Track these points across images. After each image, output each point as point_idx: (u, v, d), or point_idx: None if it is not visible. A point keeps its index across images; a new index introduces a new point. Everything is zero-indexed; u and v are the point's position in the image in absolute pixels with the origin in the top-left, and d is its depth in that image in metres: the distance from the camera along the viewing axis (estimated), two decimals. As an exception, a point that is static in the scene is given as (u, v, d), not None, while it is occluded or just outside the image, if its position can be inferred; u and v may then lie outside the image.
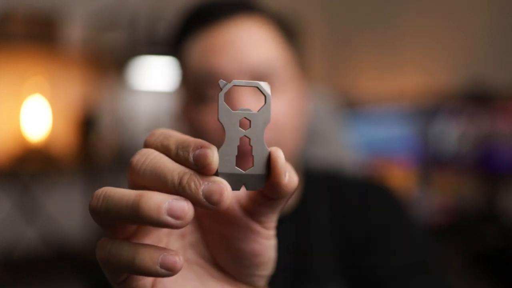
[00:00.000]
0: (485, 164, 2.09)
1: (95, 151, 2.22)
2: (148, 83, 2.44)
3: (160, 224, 0.25)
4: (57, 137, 2.21)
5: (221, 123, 0.28)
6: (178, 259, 0.25)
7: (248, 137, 0.28)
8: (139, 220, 0.25)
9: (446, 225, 2.08)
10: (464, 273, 1.84)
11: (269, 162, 0.28)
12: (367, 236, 0.68)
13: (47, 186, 2.21)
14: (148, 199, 0.25)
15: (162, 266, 0.25)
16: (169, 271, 0.25)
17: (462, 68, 2.34)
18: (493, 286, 1.80)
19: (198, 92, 0.66)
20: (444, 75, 2.42)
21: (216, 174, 0.27)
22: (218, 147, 0.27)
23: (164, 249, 0.26)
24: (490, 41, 2.24)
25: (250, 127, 0.28)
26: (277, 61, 0.66)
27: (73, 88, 2.28)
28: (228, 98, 0.60)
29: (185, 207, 0.25)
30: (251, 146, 0.28)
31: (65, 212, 2.23)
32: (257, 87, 0.28)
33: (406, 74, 2.61)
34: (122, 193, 0.26)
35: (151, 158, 0.27)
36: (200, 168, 0.26)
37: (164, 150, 0.28)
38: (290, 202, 0.69)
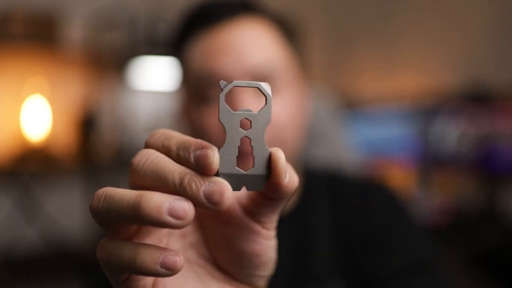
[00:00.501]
0: (485, 164, 2.09)
1: (95, 151, 2.22)
2: (148, 83, 2.44)
3: (161, 224, 0.25)
4: (57, 137, 2.21)
5: (222, 124, 0.28)
6: (178, 259, 0.26)
7: (248, 138, 0.28)
8: (140, 220, 0.25)
9: (446, 225, 2.08)
10: (464, 273, 1.84)
11: (270, 163, 0.28)
12: (367, 236, 0.68)
13: (47, 186, 2.21)
14: (149, 199, 0.25)
15: (163, 266, 0.25)
16: (170, 270, 0.25)
17: (462, 68, 2.34)
18: (493, 286, 1.80)
19: (199, 92, 0.66)
20: (444, 75, 2.42)
21: (217, 174, 0.27)
22: (219, 148, 0.27)
23: (164, 249, 0.26)
24: (490, 41, 2.24)
25: (251, 127, 0.28)
26: (278, 62, 0.66)
27: (73, 88, 2.28)
28: (229, 98, 0.61)
29: (186, 207, 0.25)
30: (252, 147, 0.28)
31: (65, 212, 2.23)
32: (258, 88, 0.28)
33: (406, 74, 2.61)
34: (123, 193, 0.26)
35: (152, 159, 0.27)
36: (201, 168, 0.26)
37: (165, 150, 0.28)
38: (290, 202, 0.69)
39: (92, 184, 2.24)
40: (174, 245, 0.32)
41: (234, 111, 0.28)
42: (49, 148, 2.17)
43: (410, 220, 0.72)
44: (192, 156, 0.26)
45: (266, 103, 0.28)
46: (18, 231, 2.10)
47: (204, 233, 0.33)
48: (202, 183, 0.26)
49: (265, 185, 0.28)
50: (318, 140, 1.28)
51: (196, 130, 0.66)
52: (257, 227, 0.31)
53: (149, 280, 0.29)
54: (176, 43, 0.73)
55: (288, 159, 0.28)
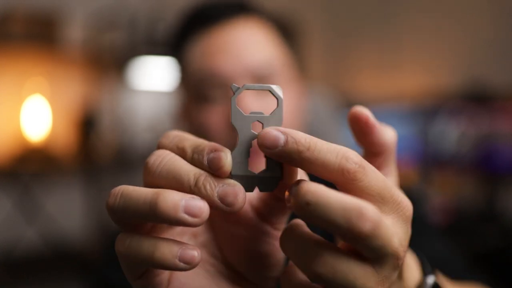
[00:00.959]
0: (485, 164, 2.10)
1: (95, 151, 2.22)
2: (148, 83, 2.44)
3: (177, 221, 0.25)
4: (57, 137, 2.21)
5: (234, 127, 0.28)
6: (196, 253, 0.26)
7: None
8: (156, 218, 0.25)
9: (446, 225, 2.09)
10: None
11: (282, 164, 0.28)
12: None
13: (47, 186, 2.20)
14: (165, 197, 0.25)
15: (181, 259, 0.26)
16: (188, 264, 0.26)
17: (462, 68, 2.35)
18: (493, 286, 1.80)
19: (199, 92, 0.67)
20: (444, 75, 2.42)
21: (230, 176, 0.27)
22: (231, 150, 0.27)
23: (183, 243, 0.26)
24: (490, 41, 2.25)
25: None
26: (276, 62, 0.67)
27: (73, 88, 2.28)
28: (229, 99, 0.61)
29: (202, 205, 0.25)
30: None
31: (65, 212, 2.23)
32: (269, 91, 0.29)
33: (406, 74, 2.61)
34: (140, 191, 0.26)
35: (167, 160, 0.28)
36: (214, 170, 0.26)
37: (179, 152, 0.29)
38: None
39: (92, 184, 2.24)
40: None
41: (245, 114, 0.28)
42: (49, 148, 2.17)
43: (422, 218, 0.71)
44: (205, 158, 0.27)
45: (277, 105, 0.29)
46: (18, 231, 2.10)
47: (215, 233, 0.33)
48: (216, 184, 0.26)
49: (277, 186, 0.28)
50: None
51: (196, 130, 0.67)
52: (268, 228, 0.31)
53: (165, 276, 0.29)
54: (175, 44, 0.74)
55: None
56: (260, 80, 0.65)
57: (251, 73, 0.64)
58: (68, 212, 2.24)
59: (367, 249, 0.25)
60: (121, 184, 0.28)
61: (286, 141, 0.25)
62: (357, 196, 0.26)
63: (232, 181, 0.26)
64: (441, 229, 2.06)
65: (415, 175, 2.32)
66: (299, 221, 0.27)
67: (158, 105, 2.45)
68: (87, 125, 2.22)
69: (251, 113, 0.28)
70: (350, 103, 2.52)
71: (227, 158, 0.26)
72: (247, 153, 0.28)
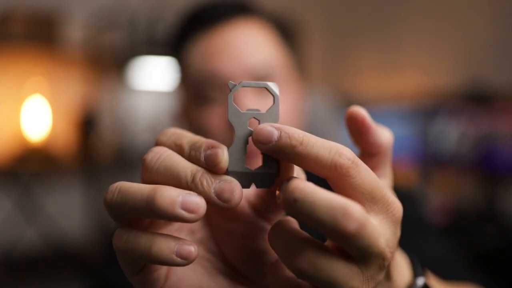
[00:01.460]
0: (485, 164, 2.10)
1: (95, 151, 2.22)
2: (148, 83, 2.44)
3: (174, 217, 0.25)
4: (57, 137, 2.21)
5: (230, 123, 0.28)
6: (193, 249, 0.26)
7: None
8: (153, 214, 0.26)
9: (446, 225, 2.09)
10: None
11: (278, 161, 0.28)
12: None
13: (47, 186, 2.21)
14: (163, 193, 0.25)
15: (178, 254, 0.26)
16: (185, 259, 0.26)
17: (462, 68, 2.35)
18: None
19: (199, 93, 0.67)
20: (444, 75, 2.42)
21: (226, 173, 0.27)
22: (228, 147, 0.28)
23: (180, 239, 0.27)
24: (490, 41, 2.25)
25: None
26: (276, 62, 0.68)
27: (73, 88, 2.28)
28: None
29: (198, 201, 0.26)
30: None
31: (65, 212, 2.23)
32: (266, 88, 0.29)
33: (406, 74, 2.61)
34: (137, 187, 0.27)
35: (165, 156, 0.28)
36: (211, 167, 0.27)
37: (177, 149, 0.29)
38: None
39: (92, 184, 2.24)
40: None
41: (242, 111, 0.28)
42: (49, 148, 2.17)
43: (423, 220, 0.71)
44: (202, 155, 0.27)
45: (273, 102, 0.29)
46: (18, 231, 2.10)
47: (212, 230, 0.33)
48: (213, 180, 0.26)
49: (274, 183, 0.28)
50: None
51: (196, 130, 0.67)
52: (265, 225, 0.32)
53: (162, 272, 0.30)
54: (175, 44, 0.74)
55: None
56: (260, 80, 0.65)
57: (251, 74, 0.65)
58: (68, 212, 2.24)
59: (352, 248, 0.25)
60: None
61: (280, 136, 0.26)
62: (349, 193, 0.26)
63: (229, 178, 0.27)
64: (441, 229, 2.06)
65: (415, 175, 2.32)
66: (289, 218, 0.28)
67: (158, 105, 2.45)
68: (87, 125, 2.22)
69: (248, 110, 0.28)
70: (350, 103, 2.51)
71: (223, 154, 0.27)
72: (244, 150, 0.28)
